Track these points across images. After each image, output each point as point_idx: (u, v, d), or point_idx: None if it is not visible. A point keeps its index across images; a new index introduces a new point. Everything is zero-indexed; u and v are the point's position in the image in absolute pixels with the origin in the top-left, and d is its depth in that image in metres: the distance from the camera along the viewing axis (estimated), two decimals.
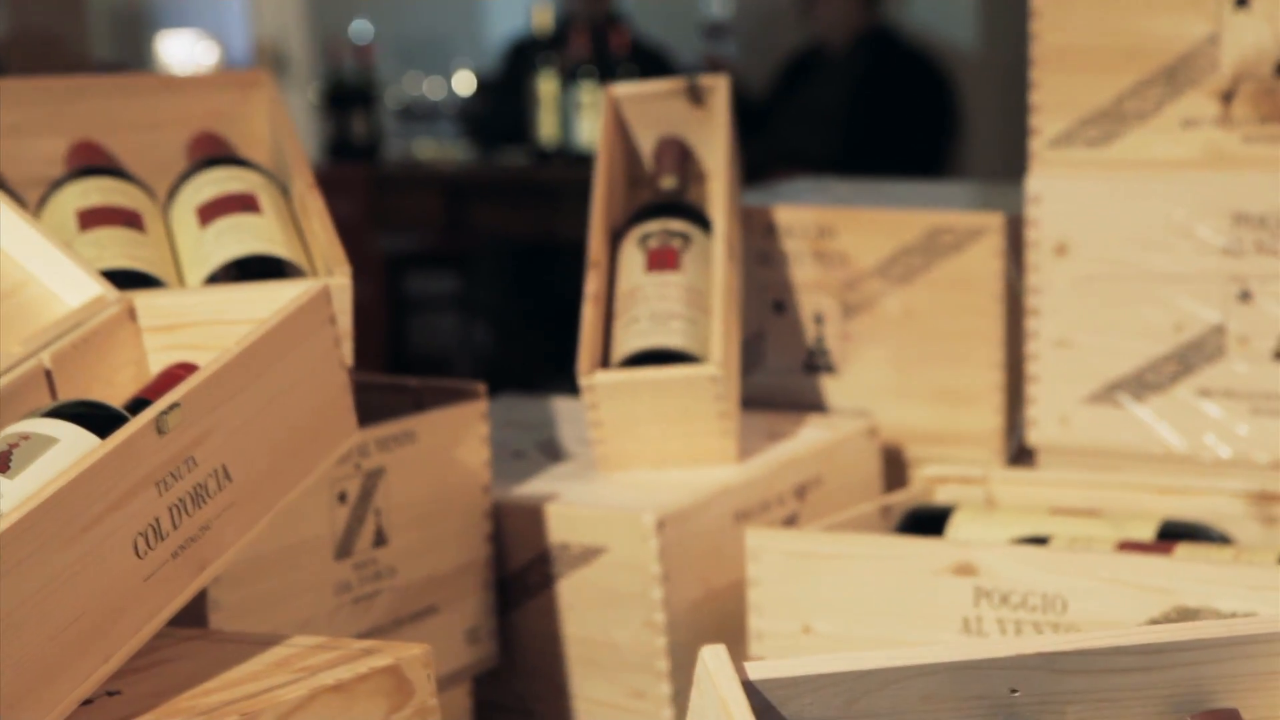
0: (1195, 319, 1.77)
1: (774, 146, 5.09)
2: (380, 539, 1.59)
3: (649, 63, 5.09)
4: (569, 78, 5.02)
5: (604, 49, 5.08)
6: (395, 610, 1.60)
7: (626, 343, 1.76)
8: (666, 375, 1.73)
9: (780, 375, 2.01)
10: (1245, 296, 1.76)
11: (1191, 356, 1.78)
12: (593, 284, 1.80)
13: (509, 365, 5.51)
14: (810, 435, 1.86)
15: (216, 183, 1.57)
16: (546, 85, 5.06)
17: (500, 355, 5.74)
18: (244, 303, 1.39)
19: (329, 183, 5.46)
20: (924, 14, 5.75)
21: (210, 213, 1.54)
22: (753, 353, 2.01)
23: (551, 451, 1.87)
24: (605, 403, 1.73)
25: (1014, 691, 1.08)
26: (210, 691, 1.19)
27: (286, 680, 1.20)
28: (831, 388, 1.98)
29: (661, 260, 1.82)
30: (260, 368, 1.29)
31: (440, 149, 5.75)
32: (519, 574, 1.72)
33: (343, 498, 1.54)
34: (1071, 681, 1.09)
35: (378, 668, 1.24)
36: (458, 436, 1.65)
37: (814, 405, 1.98)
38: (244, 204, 1.54)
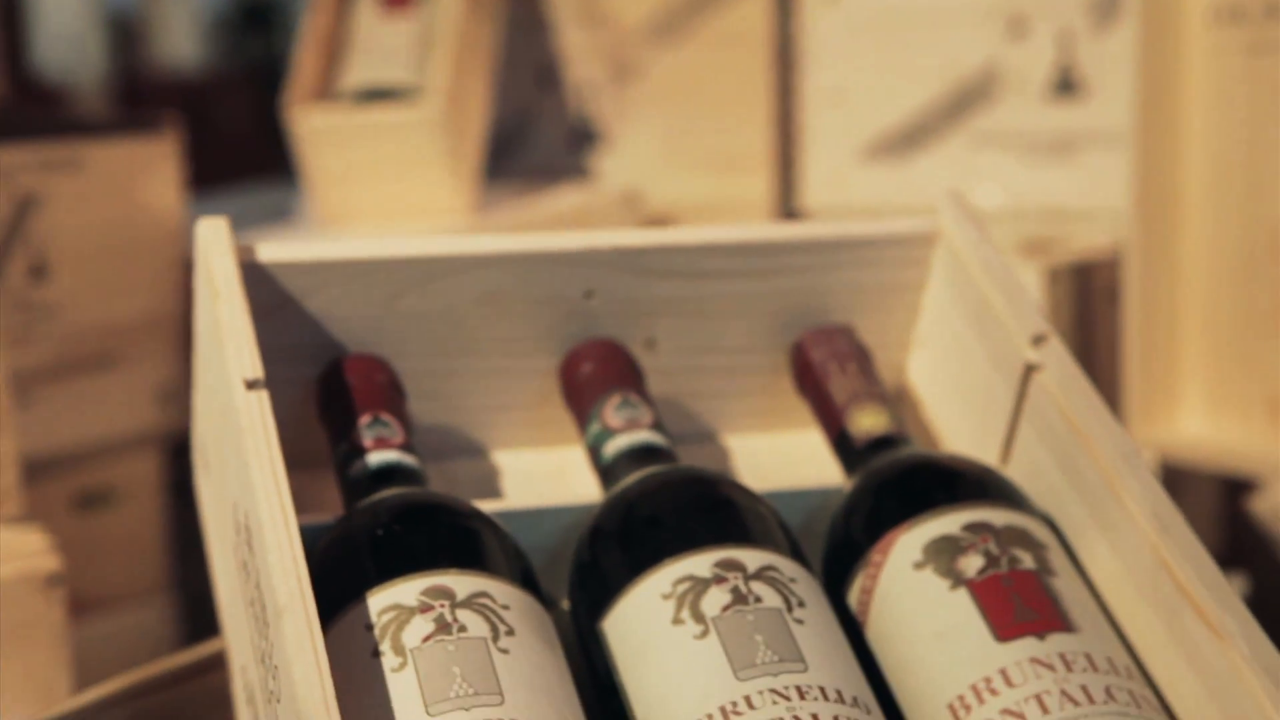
0: (969, 59, 1.62)
1: None
2: (39, 274, 1.44)
3: None
4: None
5: None
6: (62, 354, 1.45)
7: (344, 80, 1.61)
8: (383, 116, 1.58)
9: (549, 149, 1.86)
10: (1022, 30, 1.61)
11: (965, 100, 1.63)
12: (315, 23, 1.65)
13: None
14: (563, 199, 1.71)
15: None
16: None
17: None
18: None
19: (223, 102, 5.18)
20: None
21: None
22: (520, 127, 1.86)
23: (284, 214, 1.72)
24: (317, 147, 1.58)
25: (589, 295, 0.93)
26: None
27: None
28: (603, 161, 1.83)
29: (395, 2, 1.67)
30: None
31: None
32: None
33: None
34: (658, 287, 0.93)
35: None
36: (139, 172, 1.49)
37: (585, 179, 1.83)
38: None
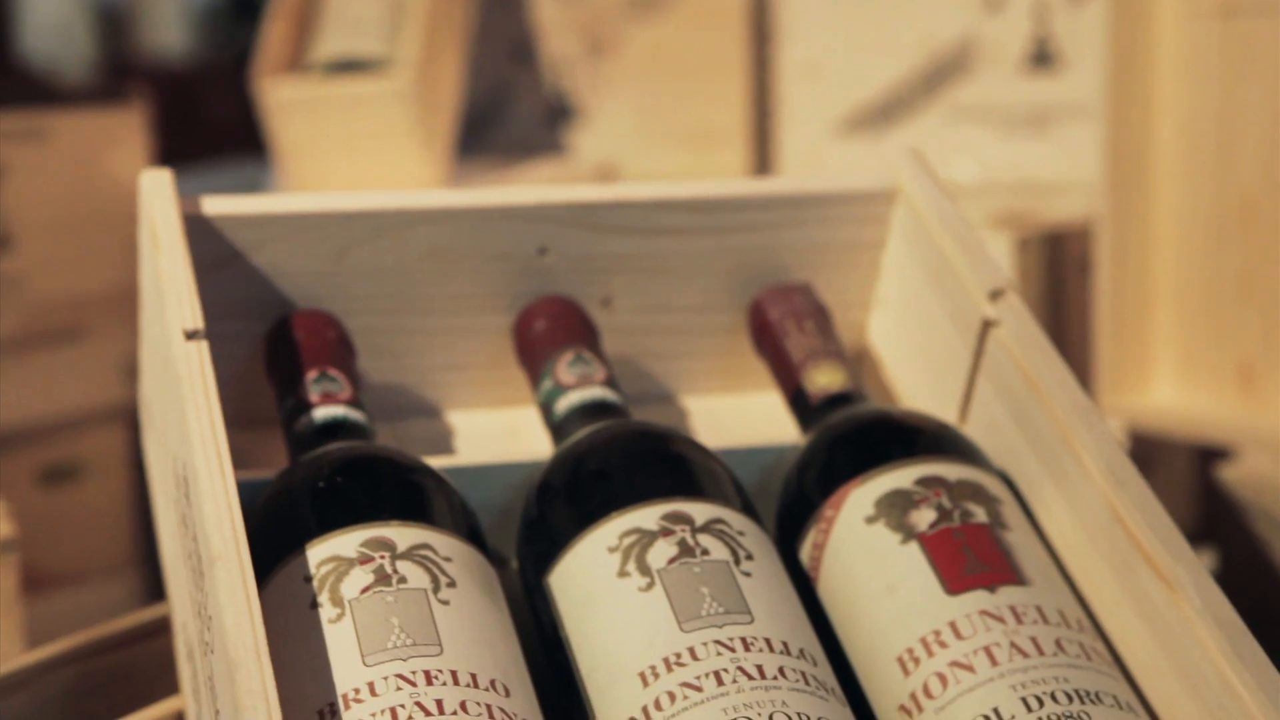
0: (945, 32, 1.61)
1: None
2: (4, 245, 1.42)
3: None
4: None
5: None
6: (27, 326, 1.44)
7: (315, 52, 1.60)
8: (353, 87, 1.56)
9: (525, 124, 1.84)
10: (998, 3, 1.59)
11: (941, 73, 1.61)
12: None
13: None
14: (538, 174, 1.69)
15: None
16: None
17: None
18: None
19: (212, 91, 5.12)
20: None
21: None
22: (495, 102, 1.84)
23: (255, 189, 1.71)
24: (286, 119, 1.56)
25: (543, 252, 0.92)
26: None
27: None
28: (579, 136, 1.81)
29: None
30: None
31: None
32: None
33: None
34: (613, 243, 0.92)
35: None
36: (106, 143, 1.48)
37: (561, 154, 1.82)
38: None
